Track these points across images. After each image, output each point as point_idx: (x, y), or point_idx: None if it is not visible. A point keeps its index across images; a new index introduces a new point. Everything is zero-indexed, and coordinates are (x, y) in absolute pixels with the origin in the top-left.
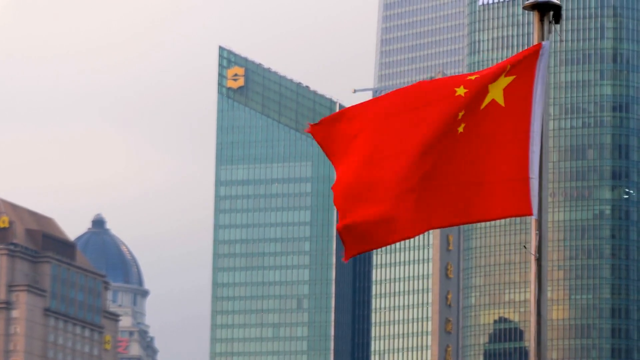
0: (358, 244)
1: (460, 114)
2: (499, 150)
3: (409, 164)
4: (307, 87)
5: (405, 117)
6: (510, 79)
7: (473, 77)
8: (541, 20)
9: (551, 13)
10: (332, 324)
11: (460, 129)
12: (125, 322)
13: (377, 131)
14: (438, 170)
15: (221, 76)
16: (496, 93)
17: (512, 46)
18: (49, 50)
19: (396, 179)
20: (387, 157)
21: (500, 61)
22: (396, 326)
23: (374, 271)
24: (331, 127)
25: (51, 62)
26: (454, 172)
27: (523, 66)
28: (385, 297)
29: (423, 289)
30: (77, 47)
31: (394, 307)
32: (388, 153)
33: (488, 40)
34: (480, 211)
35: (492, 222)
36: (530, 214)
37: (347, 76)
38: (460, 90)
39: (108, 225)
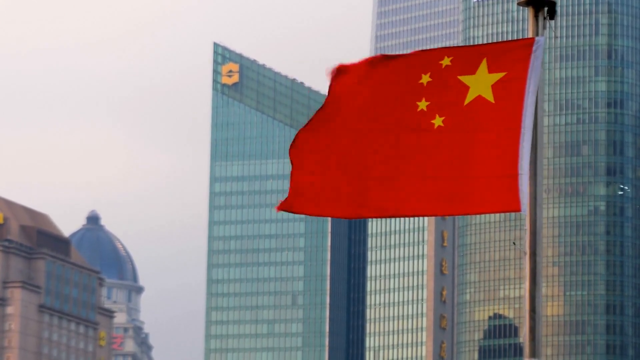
0: (303, 203)
1: (424, 104)
2: (488, 146)
3: (372, 152)
4: (301, 83)
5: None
6: (499, 75)
7: (443, 65)
8: (536, 16)
9: (546, 9)
10: (327, 320)
11: (439, 123)
12: (119, 318)
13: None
14: (415, 162)
15: (216, 72)
16: (482, 89)
17: None
18: (43, 47)
19: (362, 162)
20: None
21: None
22: (391, 322)
23: (368, 267)
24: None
25: (45, 59)
26: (436, 166)
27: (513, 61)
28: (379, 294)
29: (418, 286)
30: (71, 44)
31: (389, 303)
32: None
33: (482, 36)
34: (468, 205)
35: (487, 219)
36: (519, 210)
37: None
38: (425, 79)
39: (103, 222)
